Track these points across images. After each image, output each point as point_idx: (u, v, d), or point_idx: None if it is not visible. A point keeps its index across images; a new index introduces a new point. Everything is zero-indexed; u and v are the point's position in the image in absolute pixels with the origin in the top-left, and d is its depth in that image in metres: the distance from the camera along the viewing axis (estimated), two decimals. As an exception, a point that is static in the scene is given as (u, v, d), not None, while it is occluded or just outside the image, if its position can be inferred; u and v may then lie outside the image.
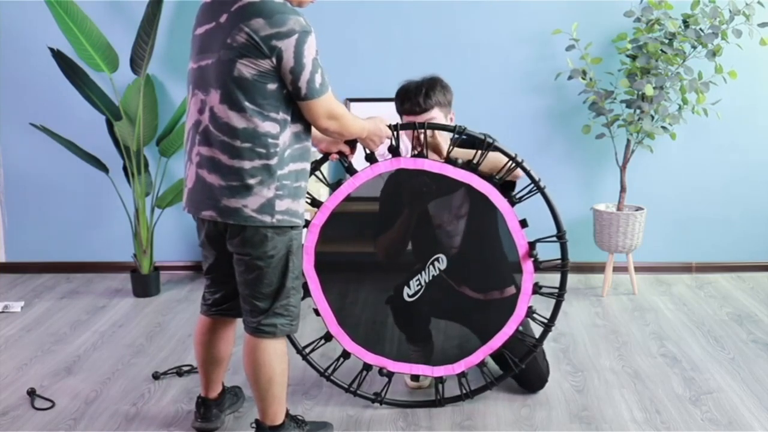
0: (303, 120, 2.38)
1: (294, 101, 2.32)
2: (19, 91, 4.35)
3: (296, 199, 2.40)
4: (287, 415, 2.56)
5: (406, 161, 2.72)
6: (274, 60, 2.23)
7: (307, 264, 2.77)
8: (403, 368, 2.87)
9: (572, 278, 4.06)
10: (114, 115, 3.99)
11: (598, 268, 4.36)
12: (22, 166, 4.44)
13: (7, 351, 3.44)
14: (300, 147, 2.39)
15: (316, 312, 2.84)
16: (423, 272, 2.80)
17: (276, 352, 2.46)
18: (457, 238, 2.88)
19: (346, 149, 2.67)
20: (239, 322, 2.62)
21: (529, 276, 2.76)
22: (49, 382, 3.13)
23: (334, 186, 2.76)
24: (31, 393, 2.99)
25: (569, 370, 3.22)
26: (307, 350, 2.90)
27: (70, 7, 3.77)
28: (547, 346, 3.17)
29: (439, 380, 2.88)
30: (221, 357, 2.68)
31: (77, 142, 4.04)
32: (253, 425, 2.56)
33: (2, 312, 3.91)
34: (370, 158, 2.72)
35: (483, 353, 2.84)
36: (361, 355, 2.85)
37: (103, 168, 4.11)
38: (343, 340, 2.84)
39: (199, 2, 2.41)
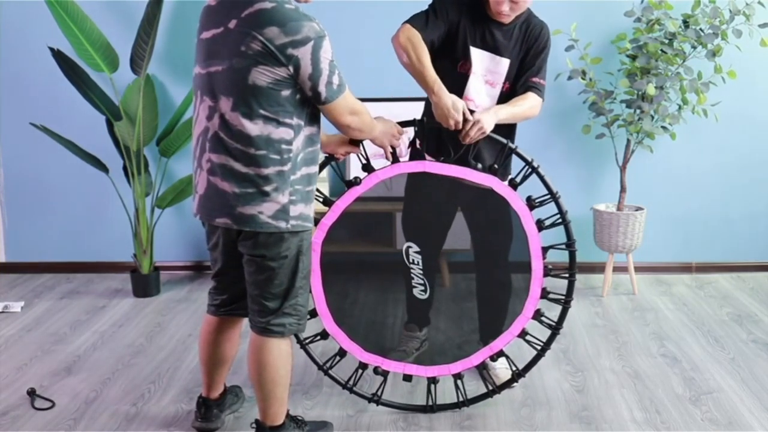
0: (316, 123, 2.39)
1: (308, 105, 2.32)
2: (19, 91, 4.35)
3: (308, 203, 2.40)
4: (287, 415, 2.56)
5: (432, 165, 2.72)
6: (291, 68, 2.22)
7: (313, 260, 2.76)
8: (396, 367, 2.86)
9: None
10: (114, 115, 3.99)
11: (598, 268, 4.35)
12: (22, 166, 4.44)
13: (7, 351, 3.44)
14: (312, 150, 2.40)
15: (313, 313, 2.81)
16: (411, 267, 2.83)
17: (282, 352, 2.46)
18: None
19: (352, 149, 2.68)
20: (244, 323, 2.62)
21: (538, 281, 2.72)
22: (49, 382, 3.13)
23: (349, 183, 2.75)
24: (31, 393, 2.99)
25: (569, 370, 3.22)
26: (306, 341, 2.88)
27: (70, 7, 3.77)
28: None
29: (432, 381, 2.84)
30: (226, 357, 2.68)
31: (77, 142, 4.04)
32: (253, 425, 2.56)
33: (2, 312, 3.91)
34: (367, 168, 2.73)
35: (483, 355, 2.82)
36: (357, 353, 2.84)
37: (103, 168, 4.11)
38: (339, 338, 2.84)
39: (200, 2, 2.40)
